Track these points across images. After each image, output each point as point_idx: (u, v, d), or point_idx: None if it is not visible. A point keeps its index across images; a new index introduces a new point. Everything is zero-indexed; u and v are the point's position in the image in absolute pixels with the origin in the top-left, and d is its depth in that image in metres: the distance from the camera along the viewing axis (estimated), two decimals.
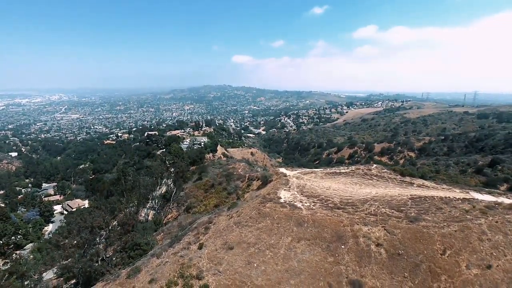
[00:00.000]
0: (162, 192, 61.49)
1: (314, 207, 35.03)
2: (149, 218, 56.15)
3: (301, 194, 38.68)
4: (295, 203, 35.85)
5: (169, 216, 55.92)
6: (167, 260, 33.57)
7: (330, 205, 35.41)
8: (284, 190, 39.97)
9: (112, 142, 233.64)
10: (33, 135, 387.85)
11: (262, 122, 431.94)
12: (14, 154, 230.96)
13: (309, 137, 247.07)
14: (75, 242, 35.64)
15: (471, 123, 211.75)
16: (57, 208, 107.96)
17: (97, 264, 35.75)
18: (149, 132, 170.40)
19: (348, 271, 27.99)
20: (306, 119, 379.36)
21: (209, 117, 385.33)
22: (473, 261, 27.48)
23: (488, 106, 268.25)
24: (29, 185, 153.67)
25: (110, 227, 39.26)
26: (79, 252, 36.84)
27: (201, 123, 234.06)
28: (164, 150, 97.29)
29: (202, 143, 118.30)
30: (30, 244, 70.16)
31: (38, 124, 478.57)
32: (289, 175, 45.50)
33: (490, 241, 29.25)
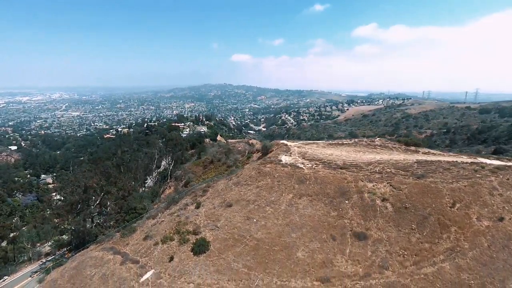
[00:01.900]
0: (161, 169, 60.22)
1: (316, 168, 33.71)
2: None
3: (303, 158, 37.35)
4: (297, 164, 34.52)
5: (167, 191, 54.55)
6: (163, 219, 32.28)
7: (333, 166, 34.06)
8: (285, 155, 38.62)
9: (112, 136, 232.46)
10: (33, 131, 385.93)
11: (262, 119, 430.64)
12: (13, 147, 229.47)
13: (310, 132, 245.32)
14: (68, 201, 34.33)
15: (473, 117, 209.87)
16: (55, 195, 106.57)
17: (90, 226, 34.40)
18: (149, 124, 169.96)
19: (352, 225, 26.63)
20: (306, 116, 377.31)
21: (209, 114, 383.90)
22: (484, 213, 26.09)
23: (490, 103, 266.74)
24: (28, 176, 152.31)
25: (104, 191, 37.93)
26: (72, 212, 35.47)
27: (201, 117, 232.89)
28: (164, 139, 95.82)
29: (202, 132, 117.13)
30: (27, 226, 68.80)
31: (38, 121, 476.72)
32: (290, 145, 44.18)
33: (502, 196, 27.86)
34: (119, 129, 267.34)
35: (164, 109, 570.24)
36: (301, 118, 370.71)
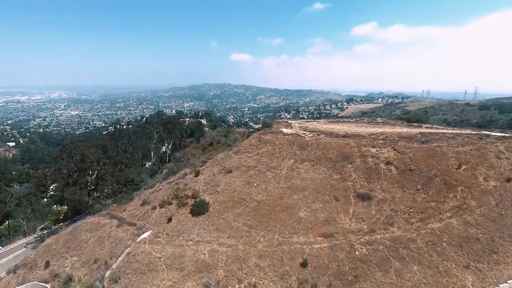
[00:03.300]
0: (160, 154, 59.50)
1: (318, 136, 33.04)
2: None
3: (304, 130, 36.66)
4: (298, 133, 33.85)
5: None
6: (161, 188, 31.53)
7: (334, 135, 33.40)
8: (286, 128, 37.90)
9: (110, 132, 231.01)
10: (31, 129, 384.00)
11: (262, 118, 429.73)
12: (11, 144, 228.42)
13: None
14: (65, 167, 33.56)
15: (472, 113, 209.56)
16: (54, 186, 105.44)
17: (87, 200, 33.61)
18: (148, 118, 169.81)
19: (355, 186, 25.90)
20: (306, 114, 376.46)
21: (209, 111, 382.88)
22: (491, 175, 25.41)
23: (490, 99, 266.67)
24: (25, 170, 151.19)
25: (101, 162, 37.17)
26: (69, 183, 34.64)
27: (200, 113, 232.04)
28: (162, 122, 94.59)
29: (202, 122, 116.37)
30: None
31: (37, 120, 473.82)
32: (291, 122, 43.48)
33: (509, 159, 27.17)
34: (118, 126, 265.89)
35: (163, 108, 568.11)
36: (301, 116, 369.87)
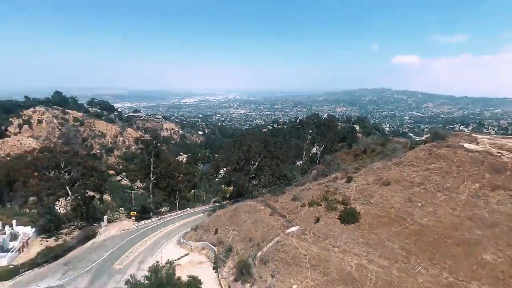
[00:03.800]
0: (311, 153, 61.58)
1: None
2: None
3: (498, 148, 27.92)
4: (489, 151, 26.15)
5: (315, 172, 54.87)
6: (311, 187, 32.24)
7: None
8: (470, 143, 30.14)
9: (268, 130, 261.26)
10: (213, 123, 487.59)
11: (426, 129, 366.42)
12: (200, 132, 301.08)
13: None
14: (236, 156, 41.03)
15: None
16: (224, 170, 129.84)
17: (247, 185, 38.93)
18: (301, 120, 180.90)
19: None
20: (494, 130, 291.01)
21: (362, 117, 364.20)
22: None
23: None
24: (207, 154, 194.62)
25: (263, 154, 42.68)
26: (236, 169, 41.86)
27: (353, 119, 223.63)
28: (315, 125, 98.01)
29: (355, 127, 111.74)
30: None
31: (217, 115, 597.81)
32: (476, 136, 34.30)
33: None
34: (275, 125, 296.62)
35: (316, 112, 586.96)
36: (485, 131, 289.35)
